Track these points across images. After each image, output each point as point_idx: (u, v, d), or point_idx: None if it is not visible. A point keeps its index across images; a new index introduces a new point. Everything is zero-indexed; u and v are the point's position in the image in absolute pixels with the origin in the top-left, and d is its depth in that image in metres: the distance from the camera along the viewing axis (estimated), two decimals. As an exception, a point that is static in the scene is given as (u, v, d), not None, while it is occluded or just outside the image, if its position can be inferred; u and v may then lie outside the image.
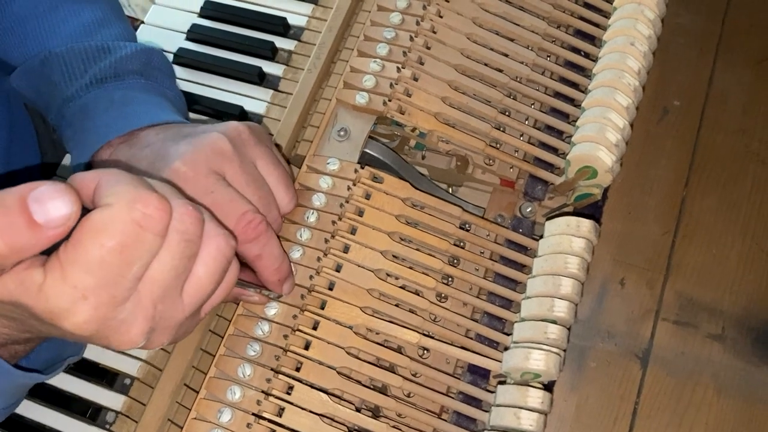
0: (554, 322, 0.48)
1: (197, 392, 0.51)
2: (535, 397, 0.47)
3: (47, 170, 0.68)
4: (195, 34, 0.71)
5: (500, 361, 0.49)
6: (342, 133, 0.57)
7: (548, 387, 0.49)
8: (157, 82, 0.57)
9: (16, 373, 0.46)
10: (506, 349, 0.50)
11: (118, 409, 0.56)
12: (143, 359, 0.57)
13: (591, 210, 0.56)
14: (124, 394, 0.56)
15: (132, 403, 0.56)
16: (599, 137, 0.51)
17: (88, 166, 0.53)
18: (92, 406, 0.57)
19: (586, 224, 0.49)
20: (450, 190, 0.62)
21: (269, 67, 0.69)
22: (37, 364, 0.51)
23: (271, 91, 0.67)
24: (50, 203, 0.31)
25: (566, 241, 0.49)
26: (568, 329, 0.49)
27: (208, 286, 0.40)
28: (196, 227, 0.37)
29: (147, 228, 0.34)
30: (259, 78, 0.68)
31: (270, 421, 0.48)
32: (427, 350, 0.52)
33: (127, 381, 0.57)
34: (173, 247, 0.36)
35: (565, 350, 0.49)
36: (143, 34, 0.72)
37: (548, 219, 0.52)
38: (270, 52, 0.69)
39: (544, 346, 0.47)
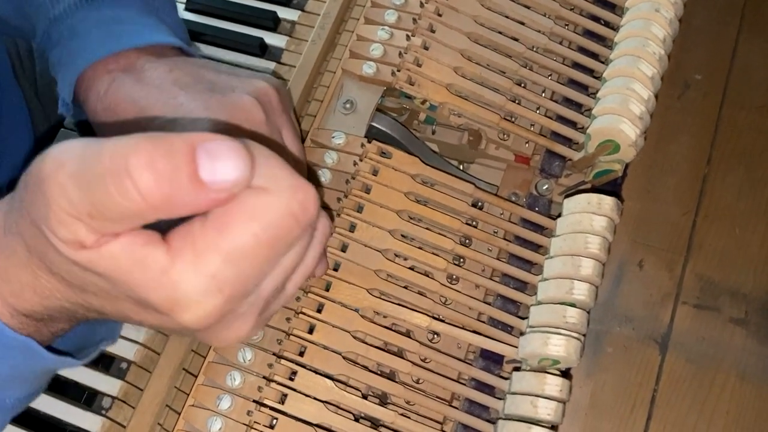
0: (573, 305, 0.46)
1: (196, 377, 0.48)
2: (554, 384, 0.44)
3: (41, 145, 0.65)
4: (194, 4, 0.68)
5: (514, 347, 0.47)
6: (348, 105, 0.54)
7: (565, 373, 0.46)
8: (155, 6, 0.52)
9: (49, 358, 0.39)
10: (521, 334, 0.48)
11: (115, 394, 0.53)
12: (140, 342, 0.55)
13: (609, 188, 0.54)
14: (121, 379, 0.54)
15: (129, 388, 0.54)
16: (622, 109, 0.48)
17: (81, 102, 0.48)
18: (87, 391, 0.54)
19: (608, 201, 0.46)
20: (461, 167, 0.59)
21: (271, 39, 0.65)
22: (67, 346, 0.44)
23: (274, 64, 0.64)
24: (222, 162, 0.27)
25: (587, 220, 0.46)
26: (588, 313, 0.46)
27: (311, 270, 0.37)
28: (316, 212, 0.32)
29: (301, 222, 0.30)
30: (261, 50, 0.65)
31: (272, 408, 0.46)
32: (438, 334, 0.50)
33: (124, 365, 0.55)
34: (304, 239, 0.33)
35: (584, 335, 0.46)
36: (140, 4, 0.69)
37: (566, 197, 0.49)
38: (272, 23, 0.66)
39: (563, 331, 0.44)
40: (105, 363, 0.55)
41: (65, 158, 0.28)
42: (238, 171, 0.27)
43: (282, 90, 0.48)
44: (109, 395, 0.54)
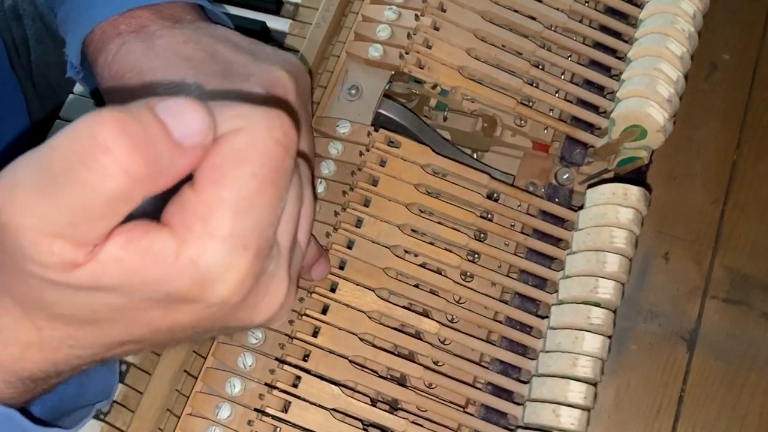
0: (598, 304, 0.42)
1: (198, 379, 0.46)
2: (577, 391, 0.41)
3: (37, 134, 0.63)
4: (192, -14, 0.65)
5: (532, 359, 0.44)
6: (353, 91, 0.50)
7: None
8: None
9: (32, 430, 0.34)
10: (541, 335, 0.44)
11: (114, 397, 0.51)
12: None
13: (633, 176, 0.50)
14: (120, 382, 0.51)
15: (128, 391, 0.51)
16: (649, 91, 0.45)
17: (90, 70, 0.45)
18: None
19: (634, 192, 0.43)
20: (475, 156, 0.56)
21: (273, 22, 0.62)
22: (49, 410, 0.40)
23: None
24: (184, 116, 0.25)
25: (612, 212, 0.43)
26: (615, 312, 0.43)
27: (313, 216, 0.34)
28: (296, 135, 0.29)
29: (289, 148, 0.28)
30: (263, 34, 0.62)
31: (274, 417, 0.43)
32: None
33: (123, 367, 0.52)
34: (295, 175, 0.31)
35: (610, 336, 0.43)
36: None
37: (589, 187, 0.45)
38: (274, 5, 0.63)
39: (587, 334, 0.41)
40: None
41: (16, 178, 0.24)
42: (203, 120, 0.25)
43: (303, 78, 0.45)
44: None
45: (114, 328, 0.29)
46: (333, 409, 0.43)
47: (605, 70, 0.51)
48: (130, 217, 0.26)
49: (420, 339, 0.46)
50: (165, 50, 0.42)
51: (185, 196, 0.26)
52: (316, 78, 0.55)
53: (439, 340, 0.47)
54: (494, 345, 0.46)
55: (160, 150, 0.24)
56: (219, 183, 0.26)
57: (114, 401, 0.51)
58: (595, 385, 0.42)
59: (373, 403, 0.44)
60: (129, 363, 0.52)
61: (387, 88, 0.53)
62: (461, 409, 0.45)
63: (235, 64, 0.42)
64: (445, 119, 0.54)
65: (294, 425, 0.43)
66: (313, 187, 0.35)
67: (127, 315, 0.28)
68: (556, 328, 0.43)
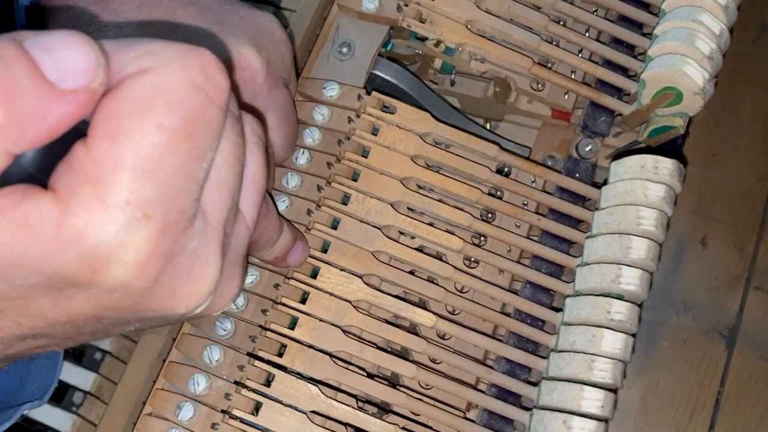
0: (621, 297, 0.36)
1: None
2: (593, 398, 0.35)
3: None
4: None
5: (544, 357, 0.38)
6: (344, 49, 0.44)
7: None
8: None
9: None
10: (555, 330, 0.38)
11: (87, 388, 0.48)
12: None
13: (668, 149, 0.44)
14: (94, 372, 0.49)
15: (103, 382, 0.48)
16: (686, 47, 0.38)
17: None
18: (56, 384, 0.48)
19: (667, 165, 0.37)
20: (488, 126, 0.50)
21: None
22: None
23: (272, 8, 0.56)
24: (63, 52, 0.20)
25: (639, 188, 0.37)
26: (640, 306, 0.37)
27: (263, 185, 0.28)
28: (226, 82, 0.24)
29: (213, 96, 0.23)
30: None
31: (242, 420, 0.37)
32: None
33: (98, 355, 0.50)
34: (231, 131, 0.25)
35: (634, 335, 0.37)
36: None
37: (614, 159, 0.39)
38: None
39: (606, 331, 0.35)
40: (77, 352, 0.50)
41: None
42: (87, 58, 0.20)
43: (278, 51, 0.39)
44: (81, 389, 0.49)
45: (1, 321, 0.24)
46: (311, 412, 0.38)
47: (636, 26, 0.45)
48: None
49: (415, 333, 0.40)
50: (117, 16, 0.38)
51: (76, 153, 0.21)
52: (315, 41, 0.49)
53: (437, 334, 0.42)
54: (501, 341, 0.40)
55: (25, 94, 0.19)
56: (114, 137, 0.21)
57: (88, 393, 0.48)
58: (614, 391, 0.36)
59: (359, 406, 0.39)
60: (105, 351, 0.49)
61: (388, 49, 0.47)
62: (461, 415, 0.40)
63: (194, 36, 0.37)
64: (452, 83, 0.48)
65: (265, 430, 0.37)
66: (269, 153, 0.29)
67: (12, 305, 0.23)
68: (570, 324, 0.37)
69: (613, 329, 0.36)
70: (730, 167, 0.48)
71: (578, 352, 0.36)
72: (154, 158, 0.21)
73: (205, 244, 0.24)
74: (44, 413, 0.48)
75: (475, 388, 0.40)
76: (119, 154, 0.21)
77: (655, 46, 0.40)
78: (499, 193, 0.43)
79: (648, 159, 0.37)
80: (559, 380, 0.36)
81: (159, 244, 0.22)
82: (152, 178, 0.21)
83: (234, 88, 0.37)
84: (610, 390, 0.35)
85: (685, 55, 0.38)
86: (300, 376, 0.39)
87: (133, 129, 0.21)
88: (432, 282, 0.41)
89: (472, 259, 0.42)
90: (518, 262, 0.41)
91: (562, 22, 0.45)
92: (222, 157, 0.24)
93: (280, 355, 0.39)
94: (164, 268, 0.23)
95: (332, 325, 0.39)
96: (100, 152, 0.21)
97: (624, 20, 0.45)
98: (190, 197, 0.23)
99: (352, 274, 0.40)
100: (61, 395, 0.49)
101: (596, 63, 0.44)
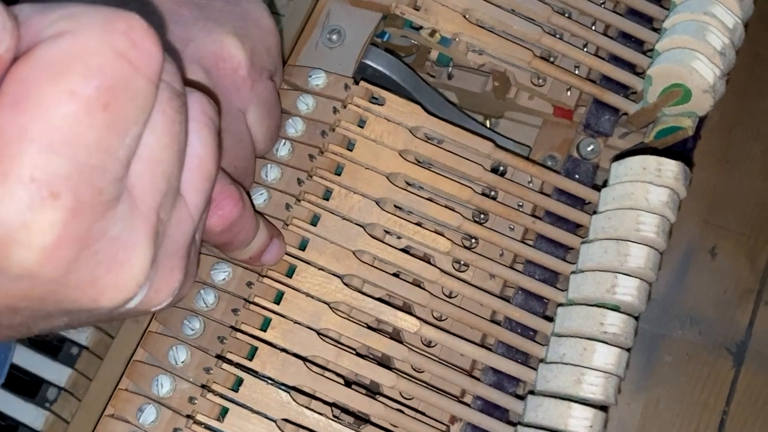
0: (616, 308, 0.34)
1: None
2: (581, 417, 0.32)
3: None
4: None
5: (533, 368, 0.36)
6: (334, 36, 0.42)
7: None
8: None
9: None
10: (546, 341, 0.36)
11: (62, 384, 0.47)
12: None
13: (676, 152, 0.41)
14: (70, 367, 0.47)
15: (78, 378, 0.47)
16: (697, 41, 0.35)
17: None
18: (31, 379, 0.47)
19: (671, 167, 0.34)
20: (488, 124, 0.47)
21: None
22: None
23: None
24: None
25: (640, 191, 0.34)
26: (636, 319, 0.34)
27: (212, 171, 0.25)
28: (180, 77, 0.23)
29: (139, 65, 0.20)
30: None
31: (207, 427, 0.35)
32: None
33: (75, 350, 0.48)
34: (168, 106, 0.22)
35: (629, 349, 0.34)
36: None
37: (614, 159, 0.36)
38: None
39: (599, 344, 0.32)
40: (53, 346, 0.48)
41: None
42: None
43: (262, 42, 0.37)
44: (55, 385, 0.47)
45: None
46: (282, 420, 0.35)
47: (646, 21, 0.42)
48: None
49: (397, 340, 0.37)
50: None
51: None
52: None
53: (421, 341, 0.39)
54: (489, 350, 0.38)
55: None
56: (20, 105, 0.18)
57: (63, 389, 0.47)
58: (605, 410, 0.33)
59: (334, 415, 0.36)
60: (82, 346, 0.47)
61: (384, 40, 0.44)
62: (443, 428, 0.37)
63: (173, 22, 0.35)
64: (449, 77, 0.45)
65: (230, 437, 0.35)
66: (220, 137, 0.26)
67: None
68: (561, 336, 0.34)
69: (606, 342, 0.33)
70: (743, 174, 0.46)
71: (567, 364, 0.33)
72: (64, 130, 0.19)
73: (131, 231, 0.22)
74: (16, 408, 0.46)
75: (459, 400, 0.38)
76: (24, 124, 0.18)
77: (664, 39, 0.37)
78: (492, 193, 0.40)
79: (651, 160, 0.34)
80: (546, 395, 0.33)
81: (68, 228, 0.20)
82: (61, 152, 0.19)
83: (218, 79, 0.35)
84: (600, 408, 0.33)
85: (694, 49, 0.36)
86: (271, 381, 0.36)
87: (42, 96, 0.18)
88: (418, 285, 0.38)
89: (462, 262, 0.39)
90: (511, 268, 0.39)
91: (566, 14, 0.42)
92: (155, 135, 0.22)
93: (251, 358, 0.36)
94: (78, 254, 0.20)
95: (308, 327, 0.37)
96: (3, 122, 0.18)
97: (633, 14, 0.42)
98: (109, 176, 0.20)
99: (332, 274, 0.37)
100: (36, 390, 0.47)
101: (602, 58, 0.42)
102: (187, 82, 0.32)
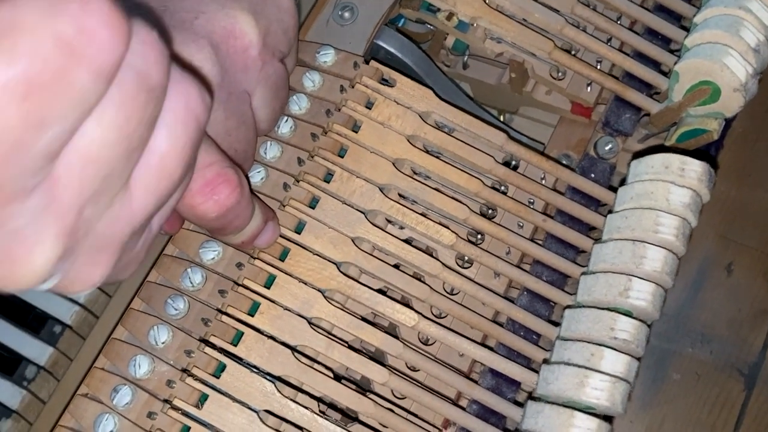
0: (629, 313, 0.31)
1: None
2: (584, 427, 0.30)
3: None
4: None
5: (535, 371, 0.33)
6: (346, 14, 0.40)
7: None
8: None
9: None
10: (551, 346, 0.33)
11: (42, 363, 0.45)
12: (80, 303, 0.46)
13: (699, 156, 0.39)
14: (52, 345, 0.46)
15: (59, 357, 0.46)
16: (729, 36, 0.33)
17: None
18: (10, 355, 0.46)
19: (695, 167, 0.32)
20: (502, 118, 0.45)
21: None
22: None
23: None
24: None
25: (661, 191, 0.32)
26: (649, 326, 0.32)
27: (174, 171, 0.23)
28: (162, 68, 0.21)
29: (83, 57, 0.18)
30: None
31: (183, 413, 0.33)
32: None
33: (58, 328, 0.47)
34: (127, 97, 0.20)
35: (640, 358, 0.32)
36: None
37: (635, 156, 0.34)
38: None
39: (607, 350, 0.30)
40: (35, 324, 0.47)
41: None
42: None
43: (277, 22, 0.35)
44: (35, 363, 0.46)
45: None
46: (264, 411, 0.33)
47: (675, 18, 0.40)
48: None
49: (392, 335, 0.35)
50: None
51: None
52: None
53: (417, 338, 0.37)
54: (490, 350, 0.35)
55: None
56: None
57: (42, 367, 0.45)
58: (610, 421, 0.31)
59: (320, 410, 0.34)
60: (65, 325, 0.46)
61: (400, 25, 0.42)
62: (436, 432, 0.35)
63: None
64: (465, 66, 0.43)
65: (207, 425, 0.33)
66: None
67: None
68: (567, 339, 0.32)
69: (615, 349, 0.31)
70: (765, 189, 0.44)
71: (571, 365, 0.31)
72: None
73: (39, 226, 0.19)
74: (-10, 384, 0.45)
75: (454, 403, 0.35)
76: None
77: (694, 34, 0.35)
78: (503, 187, 0.38)
79: (674, 158, 0.32)
80: (547, 402, 0.31)
81: None
82: None
83: (226, 56, 0.33)
84: (604, 417, 0.30)
85: (727, 45, 0.33)
86: (255, 369, 0.34)
87: None
88: (418, 279, 0.36)
89: (466, 258, 0.37)
90: (517, 267, 0.37)
91: (591, 6, 0.40)
92: (102, 129, 0.19)
93: (236, 343, 0.34)
94: None
95: (298, 315, 0.34)
96: None
97: (661, 10, 0.40)
98: (16, 169, 0.18)
99: (327, 260, 0.35)
100: (14, 368, 0.45)
101: (626, 54, 0.40)
102: (186, 66, 0.30)
